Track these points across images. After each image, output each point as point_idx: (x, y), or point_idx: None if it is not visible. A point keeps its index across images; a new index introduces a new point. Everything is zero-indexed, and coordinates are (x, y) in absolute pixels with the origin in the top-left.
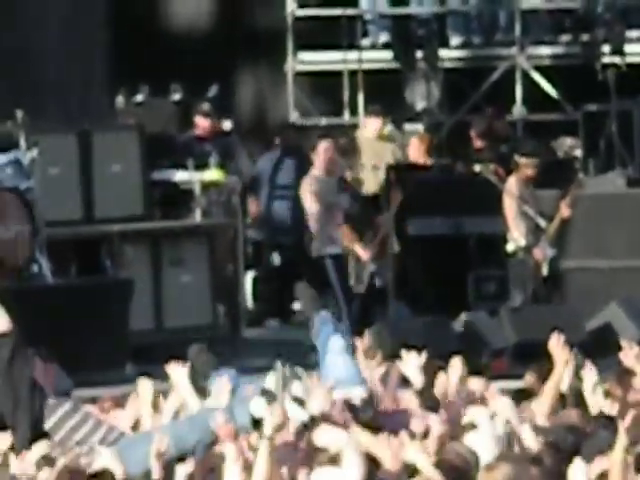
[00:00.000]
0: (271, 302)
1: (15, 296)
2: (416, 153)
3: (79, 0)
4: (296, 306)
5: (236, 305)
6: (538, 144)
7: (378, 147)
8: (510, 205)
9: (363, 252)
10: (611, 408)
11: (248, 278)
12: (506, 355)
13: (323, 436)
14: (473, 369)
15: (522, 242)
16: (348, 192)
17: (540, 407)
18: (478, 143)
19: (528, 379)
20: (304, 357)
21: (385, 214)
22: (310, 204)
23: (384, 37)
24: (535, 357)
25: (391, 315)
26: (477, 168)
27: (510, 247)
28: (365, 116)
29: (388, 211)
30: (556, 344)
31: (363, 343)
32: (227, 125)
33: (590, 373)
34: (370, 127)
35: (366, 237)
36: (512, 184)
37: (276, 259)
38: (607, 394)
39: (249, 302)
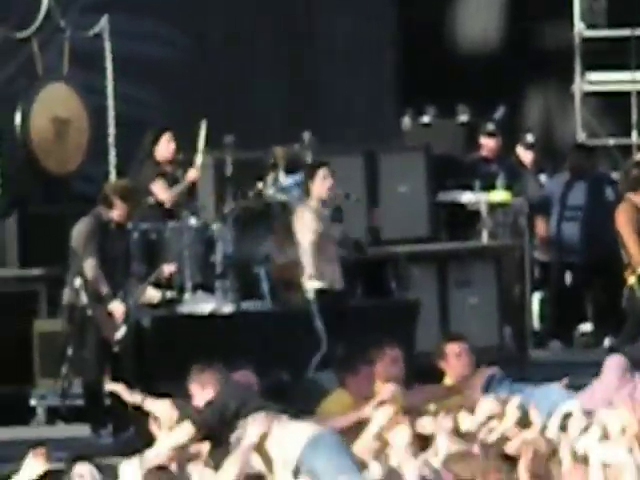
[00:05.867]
0: (557, 323)
1: (295, 317)
2: None
3: (367, 21)
4: (583, 327)
5: (523, 326)
6: None
7: None
8: None
9: None
10: None
11: (535, 299)
12: None
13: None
14: None
15: None
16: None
17: None
18: None
19: None
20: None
21: None
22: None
23: None
24: None
25: None
26: None
27: None
28: None
29: None
30: None
31: None
32: (530, 137)
33: None
34: None
35: None
36: None
37: (567, 280)
38: None
39: (536, 323)
